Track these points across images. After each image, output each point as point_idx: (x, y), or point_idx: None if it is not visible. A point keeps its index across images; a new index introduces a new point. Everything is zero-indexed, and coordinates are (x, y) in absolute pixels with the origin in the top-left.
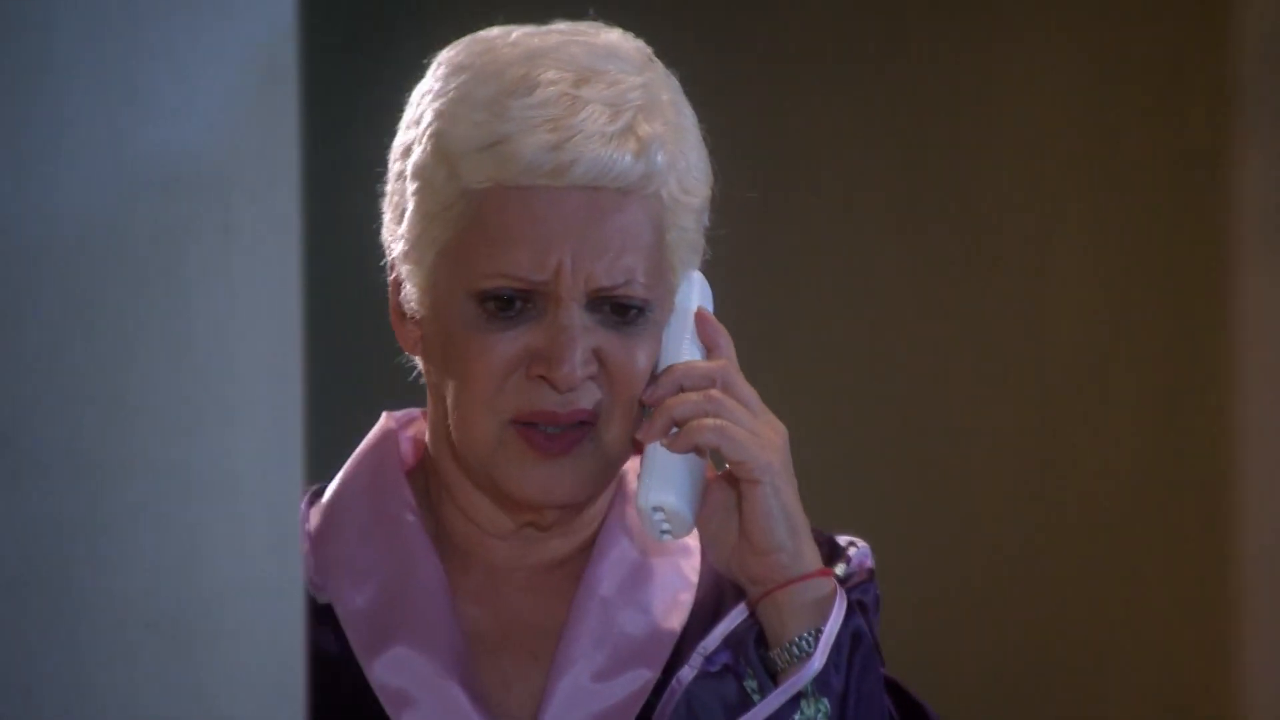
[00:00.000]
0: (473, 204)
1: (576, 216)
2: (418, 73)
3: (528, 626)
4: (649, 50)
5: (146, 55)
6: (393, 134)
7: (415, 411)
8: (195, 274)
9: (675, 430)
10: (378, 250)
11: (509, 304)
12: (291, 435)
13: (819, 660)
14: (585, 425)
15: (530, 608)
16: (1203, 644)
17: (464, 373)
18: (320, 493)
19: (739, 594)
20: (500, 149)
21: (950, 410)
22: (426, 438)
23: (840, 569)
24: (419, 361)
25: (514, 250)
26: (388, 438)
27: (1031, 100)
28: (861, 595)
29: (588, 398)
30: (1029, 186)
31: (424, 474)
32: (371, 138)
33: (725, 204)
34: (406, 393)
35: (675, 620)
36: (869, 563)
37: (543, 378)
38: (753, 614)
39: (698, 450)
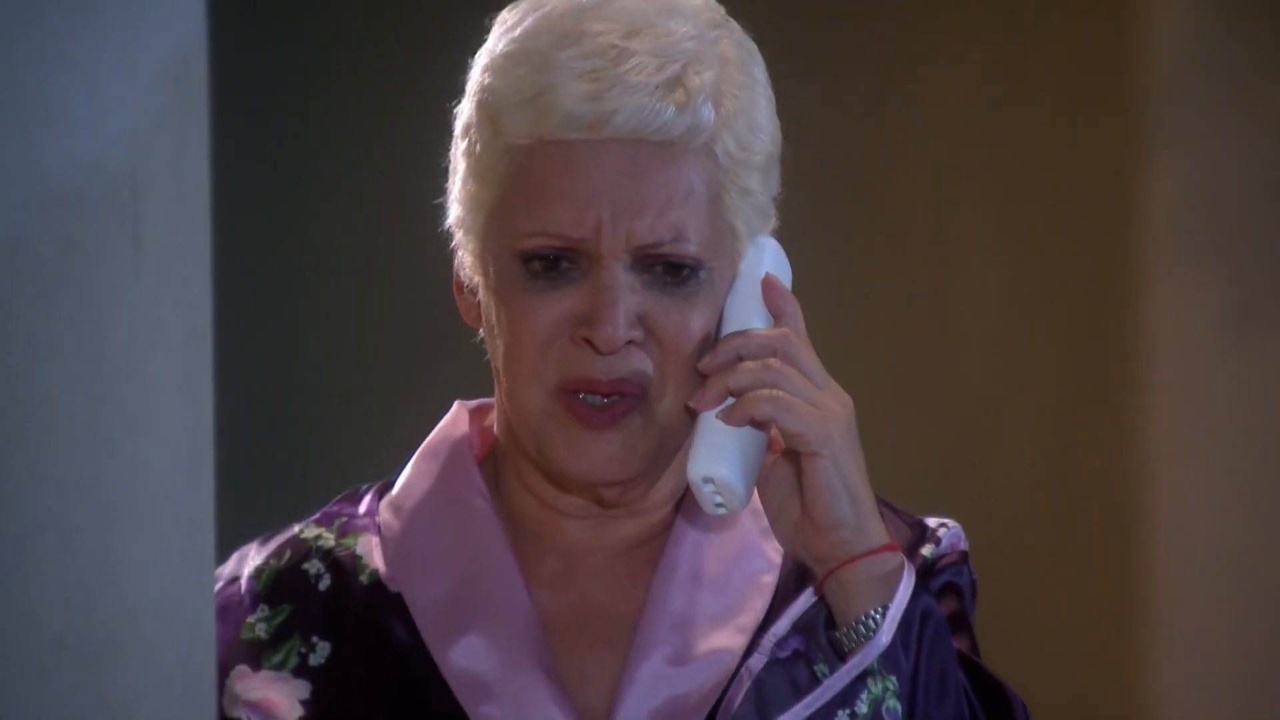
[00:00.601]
0: (515, 161)
1: (616, 170)
2: (329, 79)
3: (604, 613)
4: (722, 10)
5: (55, 67)
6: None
7: (473, 404)
8: (104, 288)
9: (730, 401)
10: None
11: (554, 264)
12: (203, 451)
13: (885, 636)
14: (628, 398)
15: (606, 593)
16: (1108, 650)
17: (509, 339)
18: (389, 486)
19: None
20: (540, 101)
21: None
22: (495, 419)
23: (929, 550)
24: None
25: (552, 207)
26: (457, 425)
27: (942, 107)
28: (954, 577)
29: (632, 365)
30: (938, 194)
31: (494, 458)
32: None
33: None
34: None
35: (757, 603)
36: (962, 544)
37: (586, 341)
38: (820, 595)
39: (755, 423)
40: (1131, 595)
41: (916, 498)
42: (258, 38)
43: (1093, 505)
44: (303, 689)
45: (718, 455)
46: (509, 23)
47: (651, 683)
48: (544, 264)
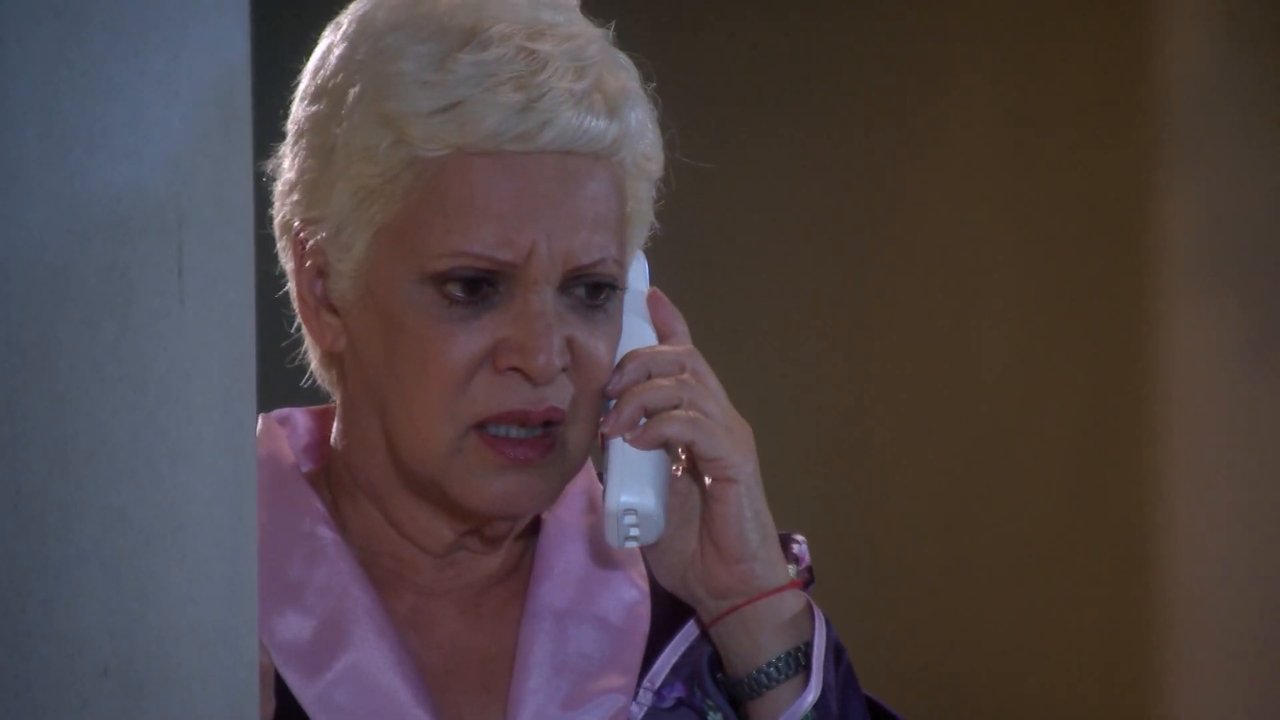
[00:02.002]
0: (425, 174)
1: (549, 187)
2: None
3: (472, 655)
4: None
5: (100, 95)
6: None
7: (290, 411)
8: (148, 314)
9: (643, 422)
10: None
11: (474, 288)
12: (246, 478)
13: (816, 685)
14: (553, 426)
15: (472, 633)
16: (1121, 669)
17: (417, 370)
18: None
19: (688, 609)
20: (459, 111)
21: (876, 438)
22: (338, 442)
23: (791, 569)
24: (313, 361)
25: (478, 226)
26: (276, 440)
27: (963, 132)
28: (809, 597)
29: (560, 394)
30: (959, 217)
31: (330, 485)
32: None
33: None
34: None
35: (638, 635)
36: (808, 559)
37: (515, 370)
38: (704, 634)
39: (666, 445)
40: (1148, 614)
41: (935, 517)
42: (300, 61)
43: (1111, 526)
44: None
45: (640, 483)
46: (373, 21)
47: None
48: (463, 287)
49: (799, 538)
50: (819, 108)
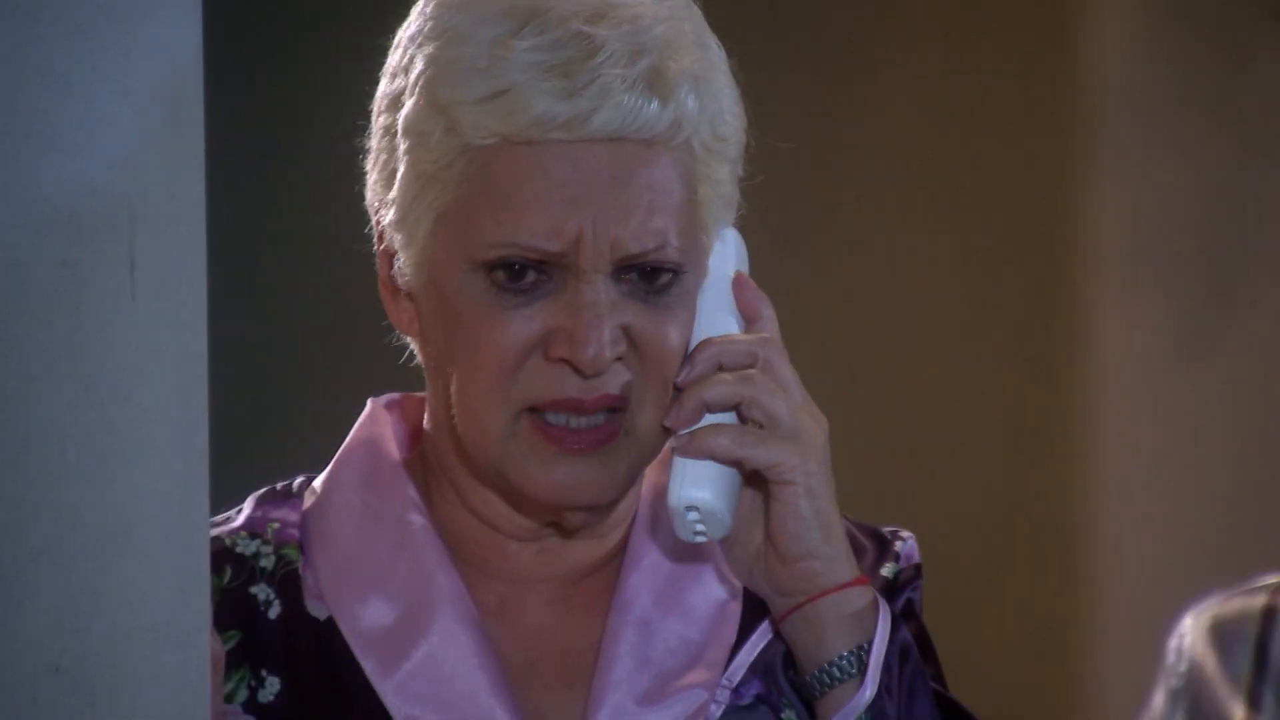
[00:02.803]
0: (475, 163)
1: (597, 175)
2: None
3: (558, 648)
4: None
5: (52, 92)
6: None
7: (404, 396)
8: (100, 311)
9: (706, 420)
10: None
11: (520, 276)
12: (198, 476)
13: (871, 686)
14: (615, 414)
15: (559, 626)
16: (1048, 659)
17: (471, 356)
18: (292, 489)
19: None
20: (506, 99)
21: None
22: (427, 426)
23: (889, 568)
24: (412, 342)
25: (525, 216)
26: (377, 427)
27: (889, 128)
28: (912, 594)
29: (616, 381)
30: (885, 214)
31: (424, 469)
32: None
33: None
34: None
35: (726, 632)
36: (916, 557)
37: (565, 361)
38: (777, 633)
39: (713, 457)
40: (1075, 608)
41: (863, 510)
42: (250, 59)
43: (1036, 522)
44: None
45: (702, 479)
46: (445, 1)
47: None
48: (511, 276)
49: (905, 535)
50: (749, 105)
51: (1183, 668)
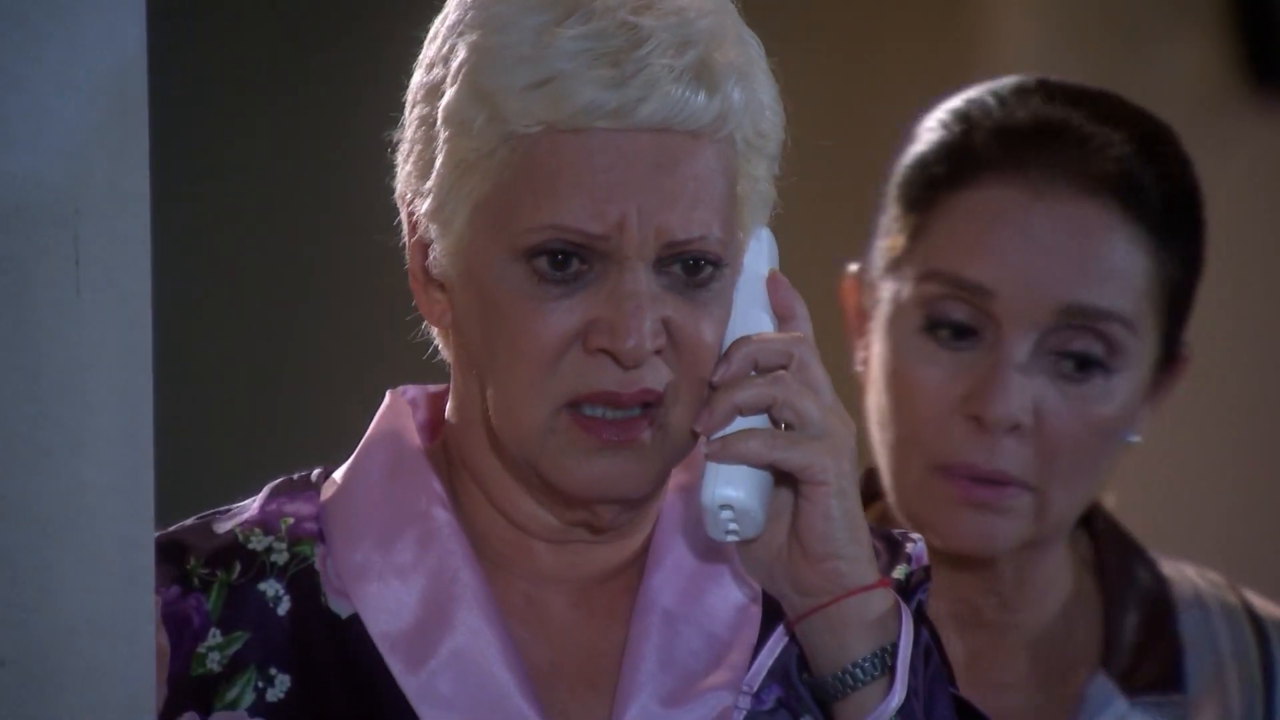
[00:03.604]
0: (518, 150)
1: (643, 163)
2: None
3: (582, 650)
4: None
5: None
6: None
7: (419, 389)
8: (44, 305)
9: (739, 423)
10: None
11: (563, 264)
12: (143, 470)
13: (900, 689)
14: (650, 409)
15: (583, 628)
16: None
17: (510, 349)
18: (310, 480)
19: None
20: (552, 87)
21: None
22: (451, 420)
23: (900, 570)
24: (437, 336)
25: (568, 199)
26: (400, 419)
27: (790, 128)
28: (924, 596)
29: (655, 376)
30: (787, 213)
31: (447, 464)
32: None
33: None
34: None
35: (748, 634)
36: (925, 559)
37: (605, 351)
38: (792, 636)
39: (745, 462)
40: None
41: None
42: (195, 54)
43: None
44: None
45: (736, 479)
46: None
47: None
48: (552, 263)
49: (915, 536)
50: None
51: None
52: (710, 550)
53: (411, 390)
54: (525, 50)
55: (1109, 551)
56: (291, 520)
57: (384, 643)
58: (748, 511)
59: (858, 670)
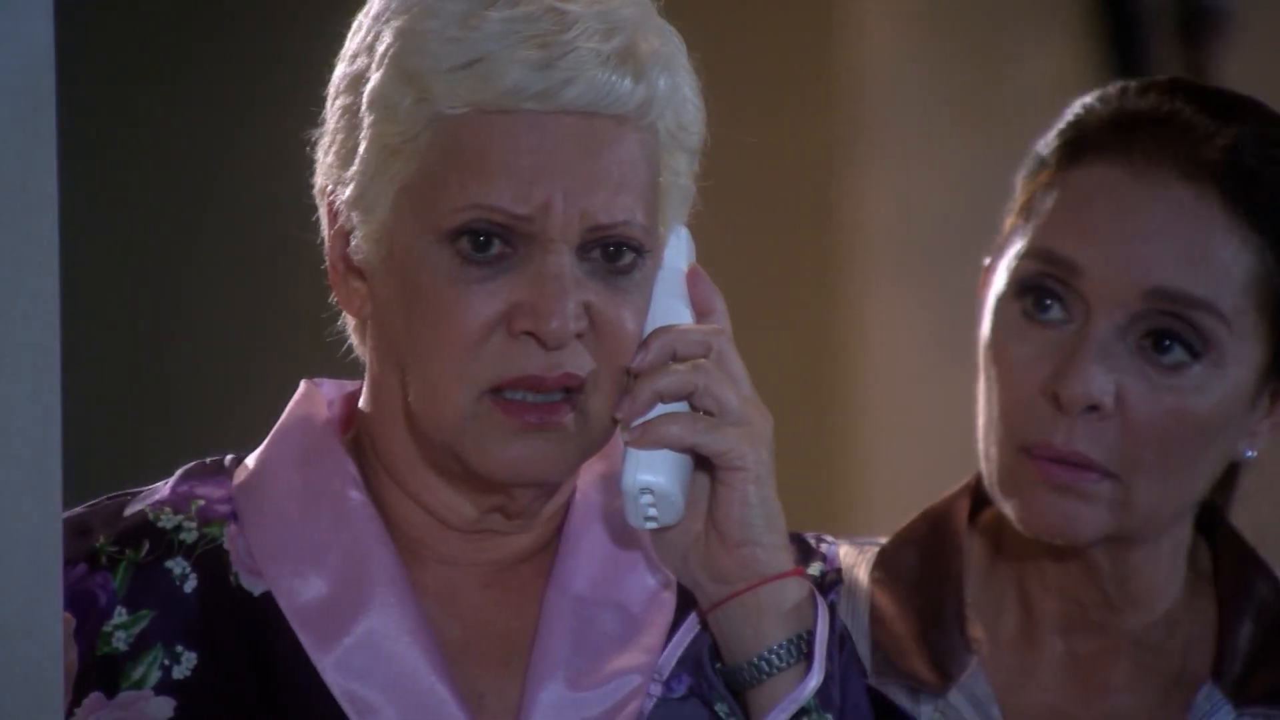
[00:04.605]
0: (444, 132)
1: (567, 146)
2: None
3: (495, 629)
4: None
5: None
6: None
7: (333, 384)
8: None
9: (659, 409)
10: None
11: (486, 246)
12: (50, 469)
13: (818, 671)
14: (571, 394)
15: (496, 607)
16: None
17: (433, 333)
18: (223, 465)
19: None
20: (480, 67)
21: None
22: (366, 410)
23: (816, 567)
24: (352, 331)
25: (493, 180)
26: (314, 406)
27: None
28: (835, 596)
29: (577, 360)
30: None
31: (360, 454)
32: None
33: None
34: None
35: (661, 619)
36: (838, 562)
37: (528, 334)
38: (704, 625)
39: (667, 446)
40: None
41: None
42: (104, 51)
43: (805, 512)
44: (165, 707)
45: (656, 464)
46: None
47: (555, 708)
48: (475, 244)
49: (829, 538)
50: None
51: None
52: (625, 538)
53: (326, 384)
54: (452, 32)
55: (1227, 562)
56: (202, 502)
57: (296, 619)
58: (667, 496)
59: (773, 656)
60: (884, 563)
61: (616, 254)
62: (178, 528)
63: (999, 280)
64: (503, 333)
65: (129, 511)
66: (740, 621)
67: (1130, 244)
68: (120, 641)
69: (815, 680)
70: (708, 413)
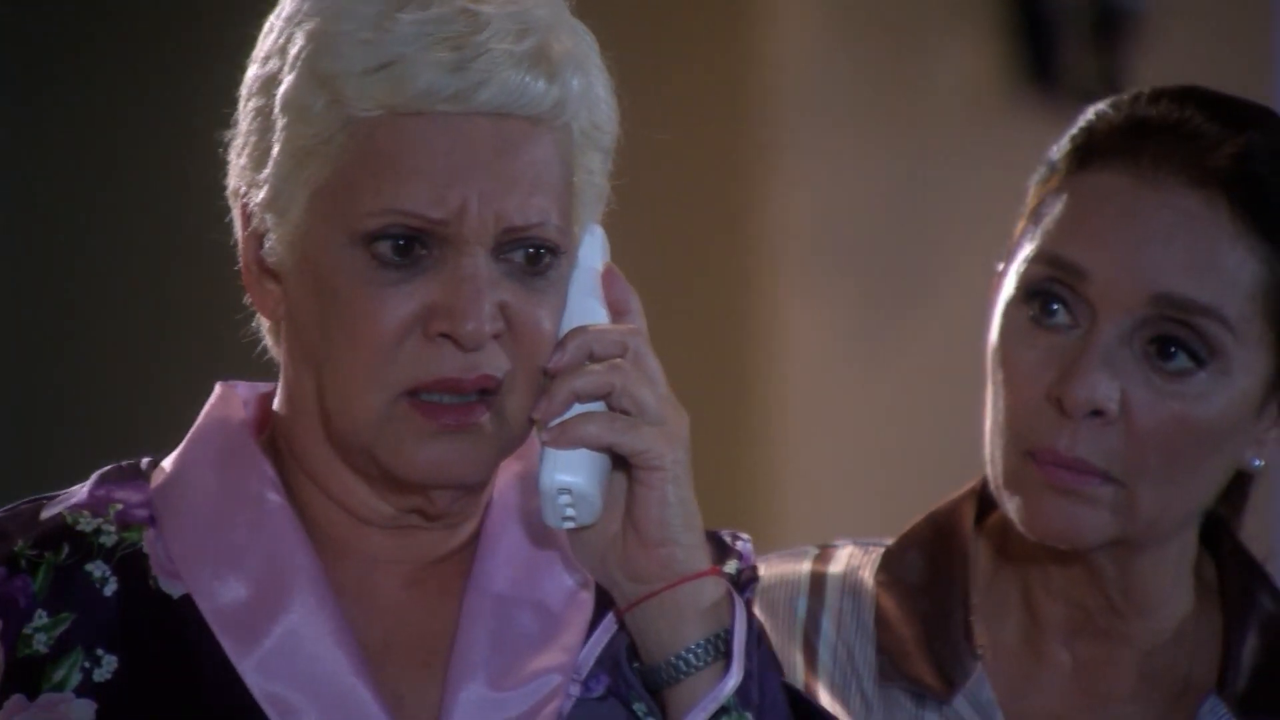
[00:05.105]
0: (358, 135)
1: (482, 148)
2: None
3: (414, 630)
4: None
5: None
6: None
7: (247, 386)
8: None
9: (576, 409)
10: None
11: (404, 250)
12: None
13: (737, 670)
14: (487, 394)
15: (416, 609)
16: None
17: (348, 336)
18: (139, 468)
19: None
20: (393, 70)
21: None
22: (281, 412)
23: (731, 565)
24: (266, 332)
25: (408, 183)
26: (230, 407)
27: None
28: (750, 594)
29: (493, 362)
30: None
31: (276, 455)
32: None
33: None
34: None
35: (580, 618)
36: (753, 559)
37: (445, 336)
38: (621, 625)
39: (584, 445)
40: None
41: None
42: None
43: (722, 511)
44: (85, 710)
45: (574, 464)
46: None
47: (475, 709)
48: (393, 248)
49: (744, 536)
50: None
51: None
52: (543, 538)
53: (240, 386)
54: (365, 35)
55: (1232, 574)
56: (120, 506)
57: (216, 621)
58: (585, 496)
59: (691, 655)
60: (888, 565)
61: (533, 255)
62: (97, 531)
63: (1007, 285)
64: (418, 335)
65: (46, 515)
66: (658, 621)
67: (1137, 250)
68: (41, 644)
69: (734, 679)
70: (625, 412)
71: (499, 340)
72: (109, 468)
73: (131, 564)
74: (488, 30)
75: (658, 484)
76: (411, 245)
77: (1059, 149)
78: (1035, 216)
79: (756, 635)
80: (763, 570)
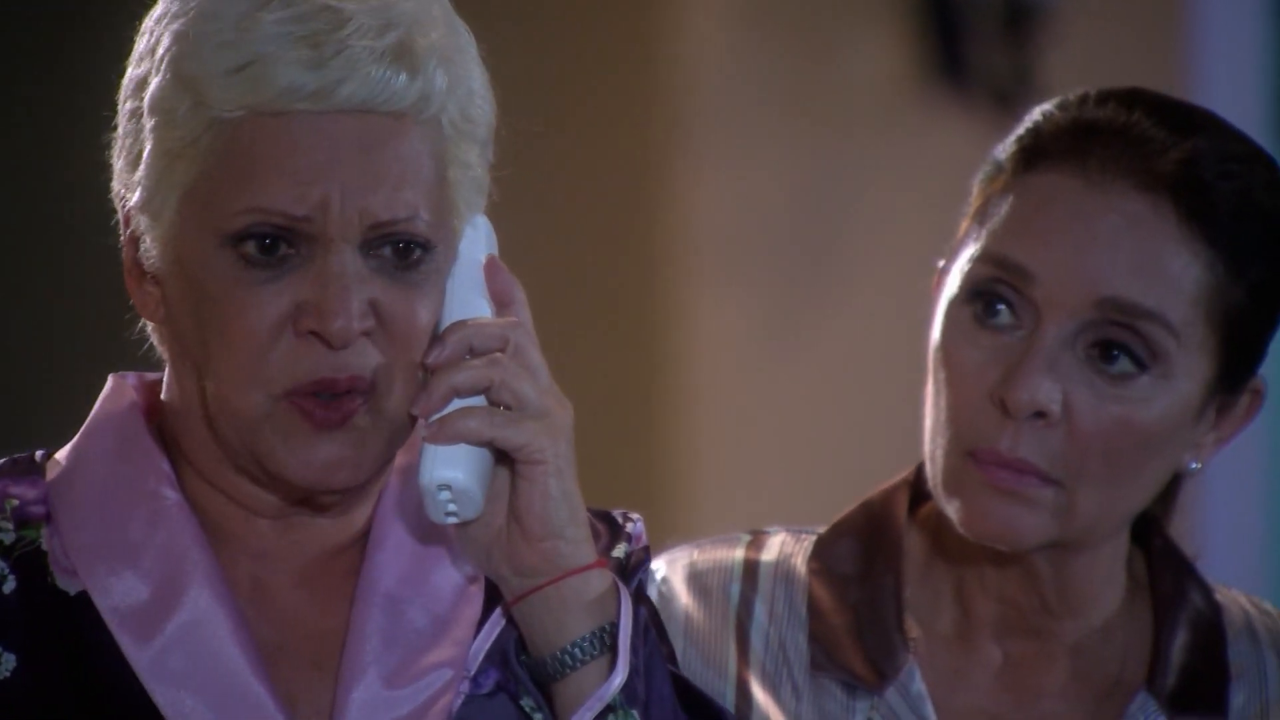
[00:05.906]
0: (222, 136)
1: (346, 144)
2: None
3: (307, 630)
4: None
5: None
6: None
7: (138, 377)
8: None
9: (455, 404)
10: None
11: (270, 248)
12: None
13: (623, 668)
14: (361, 393)
15: (307, 608)
16: None
17: (221, 337)
18: (34, 462)
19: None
20: (252, 70)
21: None
22: (168, 405)
23: (621, 549)
24: (151, 331)
25: (270, 181)
26: (126, 400)
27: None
28: (644, 575)
29: (365, 363)
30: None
31: (166, 446)
32: None
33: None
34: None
35: (470, 612)
36: (645, 539)
37: (314, 334)
38: (509, 619)
39: (464, 440)
40: None
41: None
42: None
43: (632, 508)
44: None
45: (454, 460)
46: None
47: (368, 708)
48: (259, 247)
49: (635, 516)
50: None
51: (672, 611)
52: (431, 532)
53: (131, 377)
54: (227, 36)
55: (1163, 571)
56: (16, 503)
57: (113, 618)
58: (466, 492)
59: (577, 650)
60: (820, 553)
61: (402, 250)
62: None
63: (951, 283)
64: (290, 334)
65: None
66: (544, 615)
67: (1083, 253)
68: None
69: (620, 678)
70: (506, 407)
71: (370, 337)
72: (2, 462)
73: (30, 562)
74: (349, 26)
75: (540, 478)
76: (277, 244)
77: (1005, 149)
78: (980, 216)
79: (644, 625)
80: (696, 555)
